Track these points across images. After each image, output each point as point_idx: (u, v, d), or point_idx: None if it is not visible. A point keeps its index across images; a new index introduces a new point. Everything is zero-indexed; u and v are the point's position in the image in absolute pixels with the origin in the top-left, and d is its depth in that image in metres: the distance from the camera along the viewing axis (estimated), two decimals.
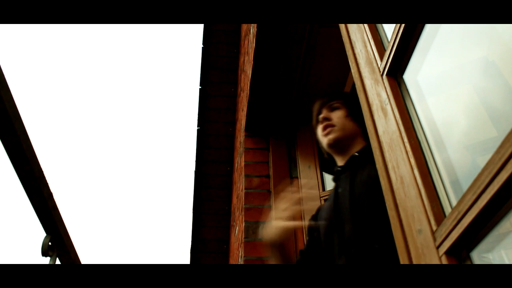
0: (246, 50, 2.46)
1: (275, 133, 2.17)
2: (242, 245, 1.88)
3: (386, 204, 0.61)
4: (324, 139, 1.18)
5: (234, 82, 3.20)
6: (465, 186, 0.44)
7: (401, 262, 0.55)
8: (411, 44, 0.64)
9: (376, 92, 0.71)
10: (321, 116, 1.21)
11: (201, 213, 3.37)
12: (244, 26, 2.78)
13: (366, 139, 1.17)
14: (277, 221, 1.05)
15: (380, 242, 0.87)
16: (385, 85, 0.68)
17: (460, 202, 0.44)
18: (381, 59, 0.71)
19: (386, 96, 0.67)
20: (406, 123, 0.61)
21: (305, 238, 1.27)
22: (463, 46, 0.57)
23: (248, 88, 2.03)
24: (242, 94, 2.63)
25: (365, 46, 0.78)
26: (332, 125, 1.17)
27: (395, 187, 0.60)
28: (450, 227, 0.45)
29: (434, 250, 0.48)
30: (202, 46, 3.14)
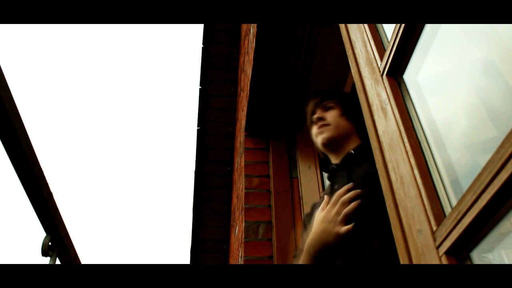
0: (246, 50, 2.46)
1: (275, 133, 2.17)
2: (242, 245, 1.88)
3: (386, 204, 0.61)
4: (318, 139, 1.18)
5: (234, 82, 3.20)
6: (465, 186, 0.44)
7: (401, 262, 0.55)
8: (411, 44, 0.64)
9: (376, 92, 0.71)
10: (315, 116, 1.21)
11: (201, 213, 3.37)
12: (244, 26, 2.78)
13: (361, 137, 1.17)
14: (336, 225, 0.96)
15: (381, 238, 0.87)
16: (385, 85, 0.68)
17: (460, 202, 0.44)
18: (381, 59, 0.71)
19: (386, 96, 0.67)
20: (406, 123, 0.61)
21: (302, 235, 1.25)
22: (463, 46, 0.57)
23: (248, 88, 2.03)
24: (242, 94, 2.63)
25: (365, 46, 0.78)
26: (327, 125, 1.17)
27: (395, 187, 0.60)
28: (450, 227, 0.45)
29: (434, 250, 0.48)
30: (202, 46, 3.14)
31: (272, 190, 1.98)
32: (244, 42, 2.68)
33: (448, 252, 0.46)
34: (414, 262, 0.52)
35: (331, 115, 1.19)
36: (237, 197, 2.54)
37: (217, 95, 3.21)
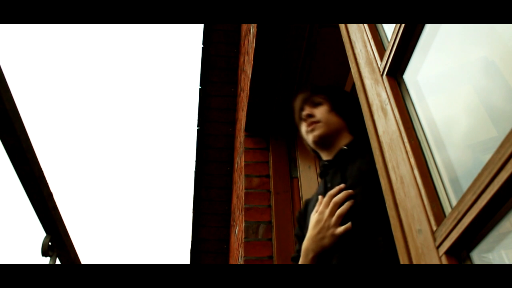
0: (246, 50, 2.46)
1: (275, 133, 2.17)
2: (242, 245, 1.88)
3: (386, 204, 0.61)
4: (309, 136, 1.15)
5: (234, 82, 3.20)
6: (465, 186, 0.44)
7: (401, 262, 0.55)
8: (411, 44, 0.64)
9: (376, 92, 0.71)
10: (304, 113, 1.18)
11: (201, 213, 3.37)
12: (244, 26, 2.78)
13: (352, 133, 1.15)
14: (330, 227, 0.94)
15: (384, 234, 0.84)
16: (385, 85, 0.68)
17: (460, 202, 0.44)
18: (381, 59, 0.71)
19: (386, 96, 0.67)
20: (406, 123, 0.61)
21: (295, 233, 1.24)
22: (463, 46, 0.57)
23: (248, 88, 2.03)
24: (242, 94, 2.63)
25: (365, 46, 0.78)
26: (316, 122, 1.14)
27: (395, 187, 0.60)
28: (450, 227, 0.45)
29: (434, 250, 0.48)
30: (202, 46, 3.14)
31: (272, 190, 1.98)
32: (244, 42, 2.68)
33: (448, 252, 0.46)
34: (414, 262, 0.52)
35: (320, 112, 1.16)
36: (237, 197, 2.54)
37: (217, 95, 3.21)
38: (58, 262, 1.35)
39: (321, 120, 1.14)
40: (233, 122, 3.21)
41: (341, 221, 0.94)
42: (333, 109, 1.16)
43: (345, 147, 1.09)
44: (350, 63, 0.84)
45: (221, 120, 3.23)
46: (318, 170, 1.94)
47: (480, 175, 0.41)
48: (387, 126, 0.65)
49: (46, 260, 1.29)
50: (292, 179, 2.02)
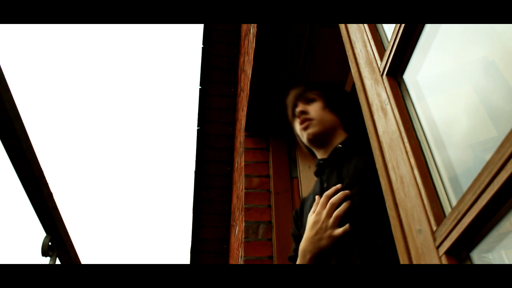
0: (246, 50, 2.46)
1: (275, 133, 2.17)
2: (242, 245, 1.88)
3: (386, 204, 0.61)
4: (303, 134, 1.13)
5: (234, 82, 3.20)
6: (465, 186, 0.44)
7: (401, 262, 0.55)
8: (411, 44, 0.64)
9: (376, 92, 0.71)
10: (297, 110, 1.15)
11: (201, 213, 3.37)
12: (244, 26, 2.78)
13: (346, 130, 1.13)
14: (328, 228, 0.93)
15: (382, 235, 0.84)
16: (385, 85, 0.68)
17: (460, 202, 0.44)
18: (381, 59, 0.71)
19: (386, 96, 0.67)
20: (406, 123, 0.61)
21: (292, 233, 1.23)
22: (463, 46, 0.57)
23: (248, 88, 2.03)
24: (242, 94, 2.63)
25: (365, 46, 0.78)
26: (310, 119, 1.12)
27: (395, 187, 0.60)
28: (450, 227, 0.45)
29: (434, 250, 0.48)
30: (202, 46, 3.14)
31: (272, 190, 1.98)
32: (244, 42, 2.68)
33: (448, 252, 0.46)
34: (414, 262, 0.52)
35: (314, 108, 1.13)
36: (237, 197, 2.54)
37: (217, 95, 3.21)
38: (58, 262, 1.35)
39: (315, 118, 1.12)
40: (233, 122, 3.21)
41: (339, 222, 0.93)
42: (327, 105, 1.14)
43: (340, 146, 1.08)
44: (350, 63, 0.84)
45: (221, 120, 3.23)
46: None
47: (480, 175, 0.41)
48: (387, 126, 0.65)
49: (46, 260, 1.29)
50: (292, 179, 2.02)
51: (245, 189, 2.00)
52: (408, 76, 0.66)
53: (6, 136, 1.07)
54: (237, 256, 2.20)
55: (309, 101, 1.16)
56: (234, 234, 2.60)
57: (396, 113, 0.63)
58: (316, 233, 0.95)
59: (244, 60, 2.64)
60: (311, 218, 0.99)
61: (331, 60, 1.88)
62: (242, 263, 1.83)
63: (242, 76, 2.69)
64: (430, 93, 0.62)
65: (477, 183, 0.41)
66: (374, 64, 0.73)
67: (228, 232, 3.34)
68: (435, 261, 0.47)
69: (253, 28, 1.98)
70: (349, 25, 0.88)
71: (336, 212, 0.94)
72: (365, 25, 0.80)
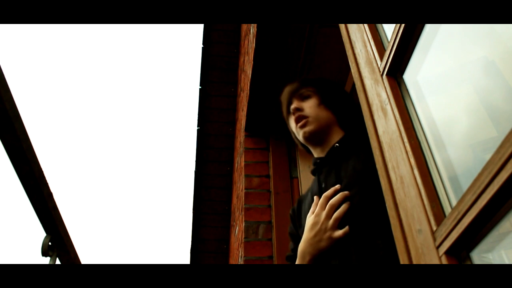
0: (246, 50, 2.46)
1: (275, 133, 2.17)
2: (242, 245, 1.88)
3: (386, 204, 0.61)
4: (299, 132, 1.11)
5: (234, 82, 3.20)
6: (465, 186, 0.44)
7: (401, 262, 0.55)
8: (411, 44, 0.64)
9: (376, 92, 0.71)
10: (292, 106, 1.13)
11: (201, 213, 3.37)
12: (244, 26, 2.78)
13: (342, 127, 1.11)
14: (327, 230, 0.92)
15: (383, 237, 0.83)
16: (385, 85, 0.68)
17: (460, 202, 0.44)
18: (381, 59, 0.71)
19: (386, 96, 0.67)
20: (406, 123, 0.61)
21: (289, 232, 1.22)
22: (463, 46, 0.57)
23: (248, 88, 2.03)
24: (242, 94, 2.63)
25: (365, 46, 0.78)
26: (306, 116, 1.10)
27: (395, 187, 0.60)
28: (450, 227, 0.45)
29: (434, 250, 0.48)
30: (202, 46, 3.14)
31: (272, 190, 1.98)
32: (244, 42, 2.68)
33: (448, 252, 0.46)
34: (414, 262, 0.52)
35: (309, 105, 1.11)
36: (237, 197, 2.54)
37: (217, 95, 3.21)
38: (58, 262, 1.35)
39: (311, 115, 1.10)
40: (233, 122, 3.21)
41: (338, 223, 0.92)
42: (322, 102, 1.12)
43: (337, 144, 1.06)
44: (350, 63, 0.84)
45: (221, 120, 3.23)
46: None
47: (480, 175, 0.41)
48: (387, 126, 0.65)
49: (46, 260, 1.29)
50: (292, 179, 2.02)
51: (245, 189, 2.00)
52: (408, 76, 0.66)
53: (6, 136, 1.07)
54: (237, 256, 2.20)
55: (304, 98, 1.14)
56: (234, 234, 2.60)
57: (396, 113, 0.63)
58: (316, 235, 0.94)
59: (244, 60, 2.64)
60: (310, 219, 0.98)
61: (331, 60, 1.88)
62: (242, 263, 1.83)
63: (242, 76, 2.69)
64: (430, 93, 0.62)
65: (477, 183, 0.41)
66: (374, 64, 0.73)
67: (228, 232, 3.34)
68: (435, 261, 0.47)
69: (253, 28, 1.98)
70: (349, 25, 0.88)
71: (336, 213, 0.92)
72: (365, 25, 0.80)
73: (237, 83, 3.16)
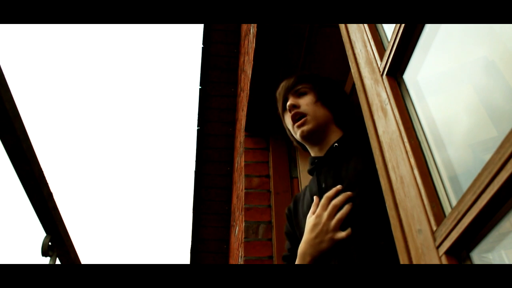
0: (246, 50, 2.46)
1: (275, 133, 2.17)
2: (242, 245, 1.88)
3: (386, 204, 0.61)
4: (297, 131, 1.09)
5: (234, 82, 3.20)
6: (465, 186, 0.44)
7: (401, 262, 0.55)
8: (411, 44, 0.64)
9: (376, 92, 0.71)
10: (288, 103, 1.10)
11: (201, 213, 3.37)
12: (244, 26, 2.78)
13: (339, 126, 1.10)
14: (329, 231, 0.91)
15: (385, 238, 0.81)
16: (385, 85, 0.68)
17: (460, 202, 0.44)
18: (381, 59, 0.71)
19: (386, 96, 0.67)
20: (406, 123, 0.61)
21: (285, 231, 1.20)
22: (463, 46, 0.57)
23: (248, 88, 2.03)
24: (242, 94, 2.63)
25: (365, 46, 0.78)
26: (302, 114, 1.08)
27: (395, 187, 0.60)
28: (450, 227, 0.45)
29: (434, 250, 0.48)
30: (202, 46, 3.14)
31: (272, 190, 1.98)
32: (244, 42, 2.68)
33: (448, 252, 0.46)
34: (414, 262, 0.52)
35: (306, 102, 1.10)
36: (237, 197, 2.54)
37: (217, 95, 3.21)
38: (58, 262, 1.35)
39: (308, 113, 1.08)
40: (233, 122, 3.21)
41: (340, 224, 0.91)
42: (319, 99, 1.10)
43: (336, 144, 1.05)
44: (350, 63, 0.84)
45: (221, 120, 3.23)
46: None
47: (480, 175, 0.41)
48: (387, 126, 0.65)
49: (46, 260, 1.29)
50: (292, 179, 2.02)
51: (245, 189, 2.00)
52: (408, 76, 0.66)
53: (6, 136, 1.07)
54: (237, 256, 2.20)
55: (300, 94, 1.13)
56: (234, 234, 2.60)
57: (396, 113, 0.63)
58: (317, 236, 0.92)
59: (244, 60, 2.64)
60: (310, 220, 0.96)
61: (331, 60, 1.88)
62: (242, 263, 1.83)
63: (242, 76, 2.69)
64: (430, 93, 0.62)
65: (477, 183, 0.41)
66: (374, 64, 0.73)
67: (228, 232, 3.34)
68: (435, 261, 0.47)
69: (253, 28, 1.98)
70: (349, 25, 0.88)
71: (338, 214, 0.91)
72: (365, 25, 0.80)
73: (237, 83, 3.16)
